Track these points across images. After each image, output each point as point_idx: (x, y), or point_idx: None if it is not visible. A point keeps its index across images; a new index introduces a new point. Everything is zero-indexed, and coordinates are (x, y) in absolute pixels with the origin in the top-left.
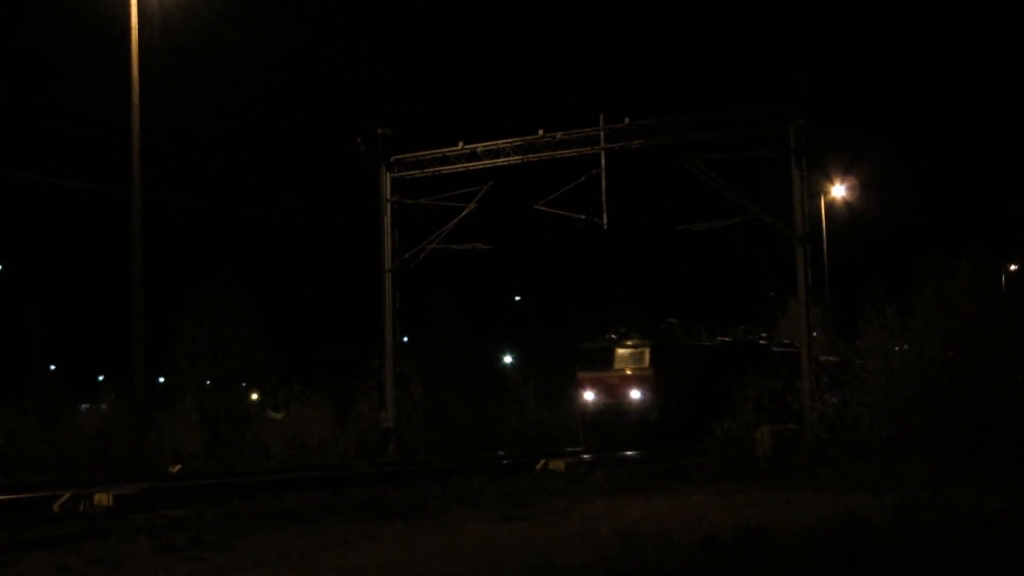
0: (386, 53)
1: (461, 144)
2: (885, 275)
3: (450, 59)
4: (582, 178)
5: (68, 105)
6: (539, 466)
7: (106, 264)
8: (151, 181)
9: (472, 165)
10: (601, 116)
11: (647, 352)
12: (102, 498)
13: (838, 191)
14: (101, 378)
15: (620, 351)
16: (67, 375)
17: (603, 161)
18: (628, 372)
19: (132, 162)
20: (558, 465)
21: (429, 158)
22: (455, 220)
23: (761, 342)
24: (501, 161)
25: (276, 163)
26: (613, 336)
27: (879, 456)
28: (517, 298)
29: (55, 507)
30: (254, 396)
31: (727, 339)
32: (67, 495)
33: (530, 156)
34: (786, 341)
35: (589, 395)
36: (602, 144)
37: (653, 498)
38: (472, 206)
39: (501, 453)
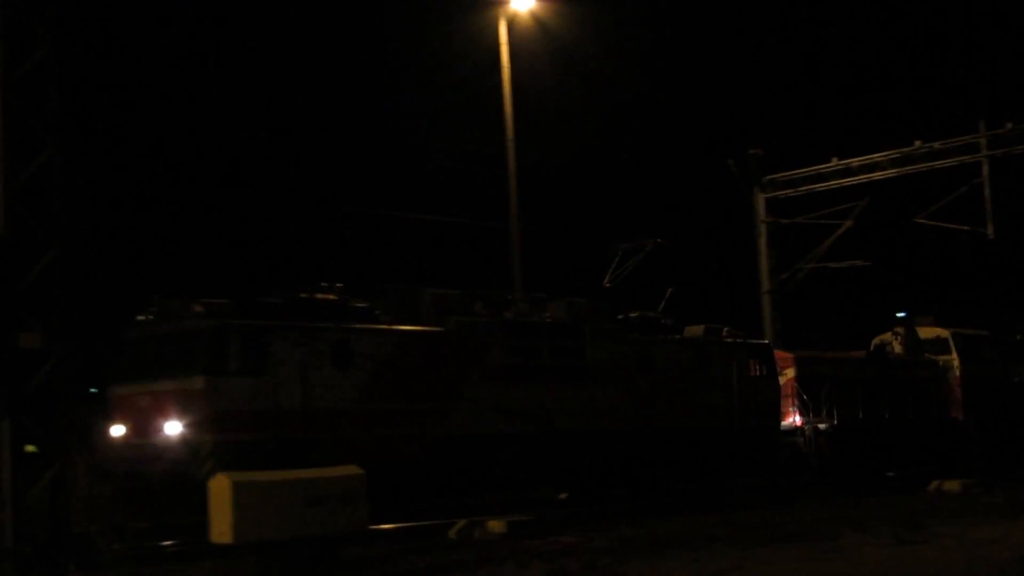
0: (753, 73)
1: (835, 160)
2: None
3: (818, 74)
4: (963, 188)
5: (450, 145)
6: (932, 487)
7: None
8: (527, 211)
9: (846, 181)
10: (982, 123)
11: (203, 344)
12: (495, 525)
13: None
14: None
15: (157, 344)
16: None
17: (985, 169)
18: (166, 386)
19: (509, 196)
20: (952, 486)
21: (802, 176)
22: (833, 238)
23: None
24: (877, 175)
25: (644, 187)
26: (149, 315)
27: None
28: (901, 314)
29: (451, 534)
30: None
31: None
32: (462, 523)
33: (907, 168)
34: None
35: (119, 429)
36: (984, 151)
37: None
38: (849, 223)
39: (891, 474)
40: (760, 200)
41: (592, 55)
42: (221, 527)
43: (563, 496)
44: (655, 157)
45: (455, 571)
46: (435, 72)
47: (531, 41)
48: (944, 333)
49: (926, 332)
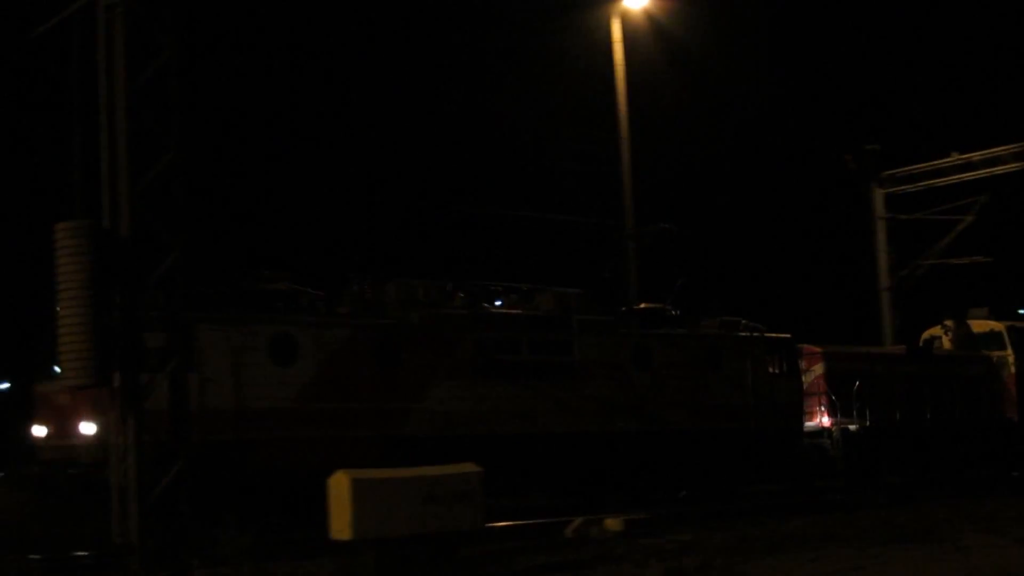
0: (871, 66)
1: (955, 155)
2: None
3: (936, 66)
4: None
5: (565, 145)
6: None
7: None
8: (640, 209)
9: (967, 176)
10: None
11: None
12: (612, 523)
13: None
14: None
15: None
16: None
17: None
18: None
19: (623, 194)
20: None
21: (920, 172)
22: (954, 233)
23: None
24: (998, 169)
25: (755, 183)
26: None
27: None
28: None
29: (567, 532)
30: None
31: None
32: (578, 521)
33: None
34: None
35: (40, 430)
36: None
37: None
38: (971, 217)
39: (1016, 474)
40: (878, 196)
41: (704, 50)
42: (340, 524)
43: (683, 494)
44: (769, 154)
45: (572, 569)
46: (547, 71)
47: (644, 38)
48: (998, 326)
49: (979, 326)
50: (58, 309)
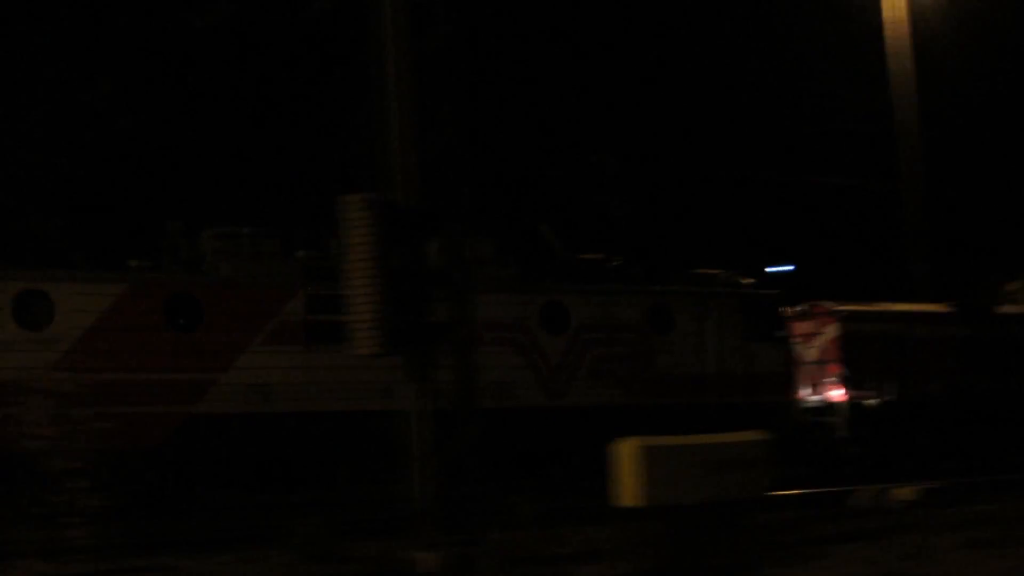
0: None
1: None
2: None
3: None
4: None
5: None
6: None
7: (881, 261)
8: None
9: None
10: None
11: None
12: (904, 492)
13: None
14: None
15: None
16: None
17: None
18: None
19: (900, 157)
20: None
21: None
22: None
23: None
24: None
25: None
26: None
27: None
28: None
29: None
30: None
31: None
32: (870, 489)
33: None
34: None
35: None
36: None
37: None
38: None
39: None
40: None
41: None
42: (629, 490)
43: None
44: None
45: (864, 539)
46: (818, 30)
47: None
48: None
49: None
50: (347, 280)
